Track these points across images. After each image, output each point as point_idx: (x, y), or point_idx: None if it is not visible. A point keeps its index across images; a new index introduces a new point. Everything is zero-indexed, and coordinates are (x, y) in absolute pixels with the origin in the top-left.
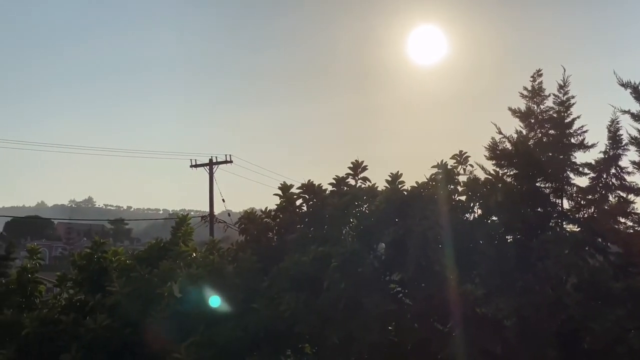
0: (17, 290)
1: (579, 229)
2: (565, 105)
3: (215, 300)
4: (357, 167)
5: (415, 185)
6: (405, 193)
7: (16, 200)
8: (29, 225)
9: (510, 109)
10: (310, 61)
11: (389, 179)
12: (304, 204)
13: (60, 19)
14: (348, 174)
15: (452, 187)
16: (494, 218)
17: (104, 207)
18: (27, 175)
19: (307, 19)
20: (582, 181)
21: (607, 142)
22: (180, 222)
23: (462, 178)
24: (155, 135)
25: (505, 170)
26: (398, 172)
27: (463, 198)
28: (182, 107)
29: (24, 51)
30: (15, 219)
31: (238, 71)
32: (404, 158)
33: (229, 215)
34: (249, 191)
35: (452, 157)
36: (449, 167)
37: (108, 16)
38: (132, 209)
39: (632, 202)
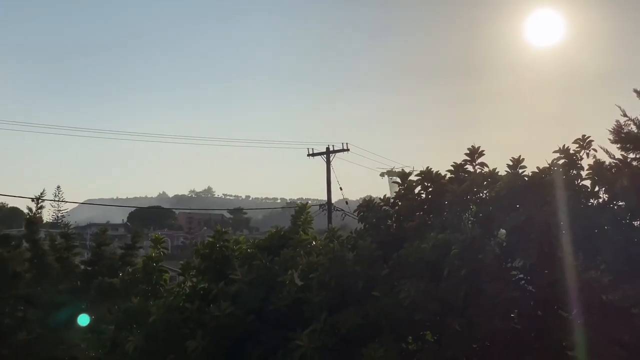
0: (143, 278)
1: None
2: None
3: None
4: (475, 153)
5: (537, 170)
6: (526, 178)
7: (139, 191)
8: (152, 215)
9: (635, 90)
10: (427, 49)
11: (510, 163)
12: (423, 191)
13: (176, 15)
14: (466, 160)
15: (574, 172)
16: (621, 203)
17: (223, 196)
18: (148, 167)
19: (424, 7)
20: None
21: None
22: (299, 210)
23: (585, 163)
24: (273, 125)
25: (631, 154)
26: (520, 156)
27: (586, 183)
28: (299, 97)
29: (151, 49)
30: (139, 210)
31: (355, 61)
32: (523, 143)
33: (346, 203)
34: (366, 179)
35: (575, 142)
36: (571, 151)
37: (220, 8)
38: (251, 198)
39: None
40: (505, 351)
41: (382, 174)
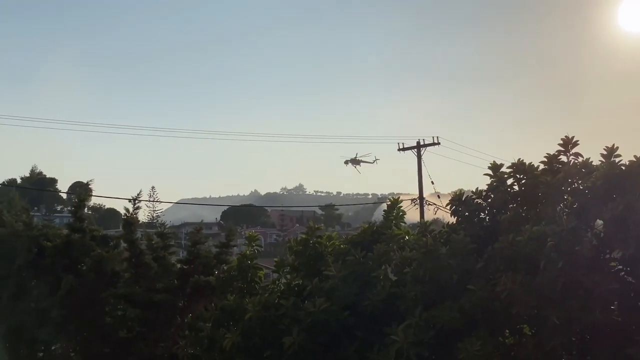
0: (238, 276)
1: None
2: None
3: None
4: (568, 143)
5: (634, 159)
6: (623, 168)
7: (231, 190)
8: (244, 214)
9: None
10: (514, 40)
11: (604, 153)
12: (516, 183)
13: (258, 17)
14: (559, 151)
15: None
16: None
17: (314, 193)
18: (240, 166)
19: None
20: None
21: None
22: (391, 205)
23: None
24: (363, 121)
25: None
26: (614, 145)
27: None
28: (388, 92)
29: (241, 50)
30: (231, 208)
31: (444, 54)
32: (617, 131)
33: (438, 197)
34: (458, 172)
35: None
36: None
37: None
38: (342, 194)
39: None
40: (605, 344)
41: (346, 162)
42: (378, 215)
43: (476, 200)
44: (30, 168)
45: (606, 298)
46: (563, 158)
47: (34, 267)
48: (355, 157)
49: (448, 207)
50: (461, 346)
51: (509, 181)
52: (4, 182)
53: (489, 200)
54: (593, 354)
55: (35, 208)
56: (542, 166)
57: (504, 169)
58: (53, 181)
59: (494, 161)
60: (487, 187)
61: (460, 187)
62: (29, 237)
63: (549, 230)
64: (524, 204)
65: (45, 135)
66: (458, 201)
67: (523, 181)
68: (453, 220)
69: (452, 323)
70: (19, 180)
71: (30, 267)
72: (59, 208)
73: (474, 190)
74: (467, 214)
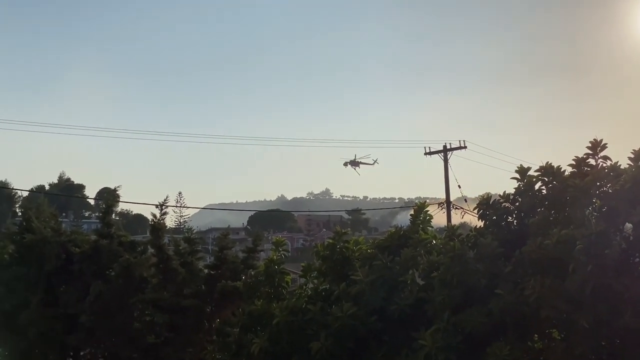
0: (265, 281)
1: None
2: None
3: None
4: (597, 146)
5: None
6: None
7: (258, 195)
8: (271, 219)
9: None
10: (542, 43)
11: (632, 156)
12: (543, 187)
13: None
14: (587, 154)
15: None
16: None
17: (340, 198)
18: (267, 171)
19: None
20: None
21: None
22: (418, 209)
23: None
24: (389, 124)
25: None
26: None
27: None
28: (414, 96)
29: (268, 56)
30: (258, 213)
31: (471, 56)
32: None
33: (465, 201)
34: (485, 176)
35: None
36: None
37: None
38: (369, 199)
39: None
40: (635, 348)
41: (345, 164)
42: (406, 219)
43: (504, 204)
44: (58, 174)
45: (636, 301)
46: (591, 161)
47: (62, 273)
48: (355, 158)
49: (475, 211)
50: (490, 351)
51: (537, 185)
52: (32, 188)
53: (517, 203)
54: (623, 358)
55: (64, 214)
56: (570, 169)
57: (531, 173)
58: (81, 187)
59: (521, 165)
60: (514, 190)
61: (487, 191)
62: (57, 243)
63: (578, 233)
64: (552, 207)
65: (73, 142)
66: (485, 205)
67: (551, 184)
68: (480, 224)
69: (481, 327)
70: (47, 187)
71: (59, 273)
72: (86, 214)
73: (502, 194)
74: (494, 217)
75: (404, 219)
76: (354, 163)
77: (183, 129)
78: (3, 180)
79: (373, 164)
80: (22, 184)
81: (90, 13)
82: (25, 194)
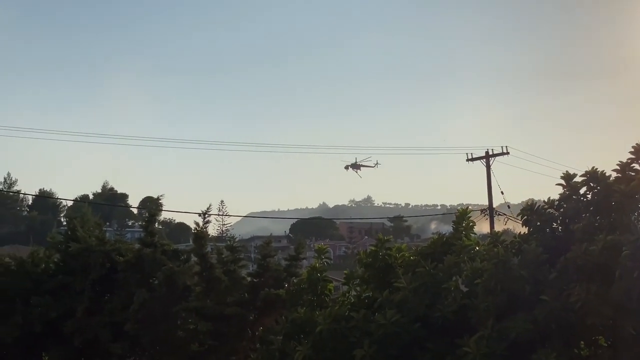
0: (308, 289)
1: None
2: None
3: None
4: None
5: None
6: None
7: (299, 203)
8: (313, 226)
9: None
10: (581, 47)
11: None
12: (588, 192)
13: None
14: (632, 159)
15: None
16: None
17: (382, 205)
18: (309, 179)
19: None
20: None
21: None
22: (461, 216)
23: None
24: (430, 131)
25: None
26: None
27: None
28: (454, 103)
29: (308, 61)
30: (300, 221)
31: (511, 61)
32: None
33: (508, 207)
34: (528, 182)
35: None
36: None
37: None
38: (410, 206)
39: None
40: None
41: (346, 167)
42: (448, 226)
43: (548, 210)
44: (102, 184)
45: None
46: (636, 166)
47: (107, 281)
48: (355, 161)
49: (519, 217)
50: (535, 358)
51: (582, 190)
52: (76, 198)
53: (562, 209)
54: None
55: (107, 223)
56: (614, 174)
57: (576, 179)
58: (124, 196)
59: (566, 170)
60: (559, 196)
61: (530, 197)
62: (102, 252)
63: (624, 239)
64: (597, 213)
65: (116, 151)
66: (530, 211)
67: (596, 190)
68: (524, 230)
69: (526, 334)
70: (91, 196)
71: (104, 281)
72: (130, 223)
73: (546, 200)
74: (538, 223)
75: (447, 225)
76: (355, 166)
77: (225, 138)
78: (48, 190)
79: (374, 166)
80: (67, 193)
81: (133, 21)
82: (70, 203)
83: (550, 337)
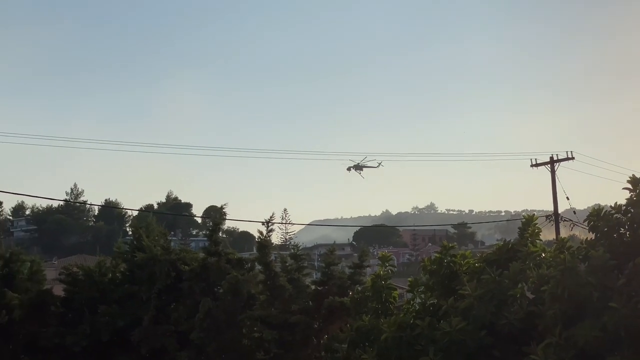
0: (372, 296)
1: None
2: None
3: None
4: None
5: None
6: None
7: (362, 211)
8: (376, 234)
9: None
10: None
11: None
12: None
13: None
14: None
15: None
16: None
17: (445, 212)
18: (372, 187)
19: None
20: None
21: None
22: (526, 222)
23: None
24: (492, 137)
25: None
26: None
27: None
28: (518, 107)
29: (365, 70)
30: (363, 229)
31: (572, 65)
32: None
33: (574, 213)
34: (594, 187)
35: None
36: None
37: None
38: (474, 212)
39: None
40: None
41: (348, 168)
42: (513, 232)
43: (615, 215)
44: (166, 194)
45: None
46: None
47: (172, 290)
48: (358, 163)
49: (585, 223)
50: None
51: None
52: (141, 207)
53: (629, 214)
54: None
55: (172, 233)
56: None
57: None
58: (188, 206)
59: (633, 175)
60: (626, 201)
61: (596, 202)
62: (167, 261)
63: None
64: None
65: (180, 161)
66: (596, 216)
67: None
68: (590, 236)
69: (595, 342)
70: (155, 206)
71: (169, 290)
72: (194, 232)
73: (613, 205)
74: (605, 229)
75: (512, 232)
76: (358, 167)
77: (288, 146)
78: (113, 200)
79: (377, 166)
80: (132, 203)
81: (191, 32)
82: (135, 213)
83: (619, 344)
